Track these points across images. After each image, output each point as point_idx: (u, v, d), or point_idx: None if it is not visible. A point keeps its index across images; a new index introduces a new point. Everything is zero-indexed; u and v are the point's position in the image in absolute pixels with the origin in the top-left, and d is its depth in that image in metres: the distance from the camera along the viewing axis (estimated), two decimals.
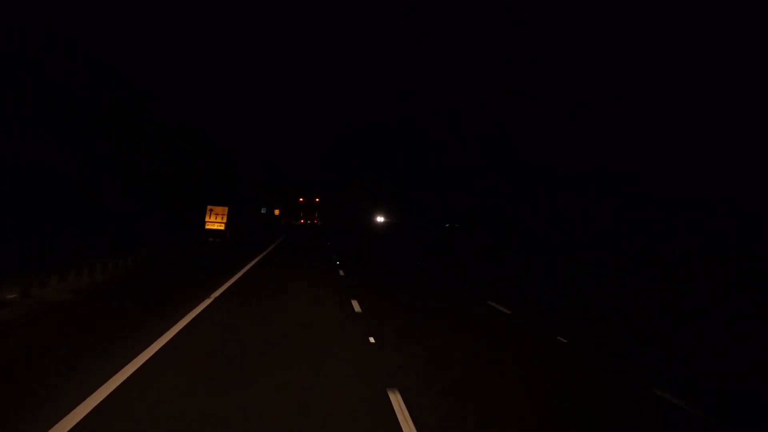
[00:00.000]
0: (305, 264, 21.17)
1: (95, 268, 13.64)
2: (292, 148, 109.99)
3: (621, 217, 26.18)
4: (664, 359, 9.00)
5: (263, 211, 75.56)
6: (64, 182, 20.43)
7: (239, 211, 52.61)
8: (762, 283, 16.48)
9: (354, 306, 11.42)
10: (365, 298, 12.45)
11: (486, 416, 5.58)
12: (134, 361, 6.57)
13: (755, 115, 20.44)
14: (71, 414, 4.91)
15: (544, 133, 34.00)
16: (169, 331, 8.19)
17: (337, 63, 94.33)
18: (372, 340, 8.40)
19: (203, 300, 11.10)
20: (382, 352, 7.77)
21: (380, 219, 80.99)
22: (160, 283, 14.06)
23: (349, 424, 5.14)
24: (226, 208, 28.87)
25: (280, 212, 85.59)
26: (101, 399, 5.31)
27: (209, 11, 45.14)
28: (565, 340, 9.47)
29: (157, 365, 6.56)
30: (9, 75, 16.76)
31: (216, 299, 11.45)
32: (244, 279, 15.22)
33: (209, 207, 28.82)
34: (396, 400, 5.76)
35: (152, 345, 7.34)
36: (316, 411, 5.38)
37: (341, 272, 18.09)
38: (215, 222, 28.32)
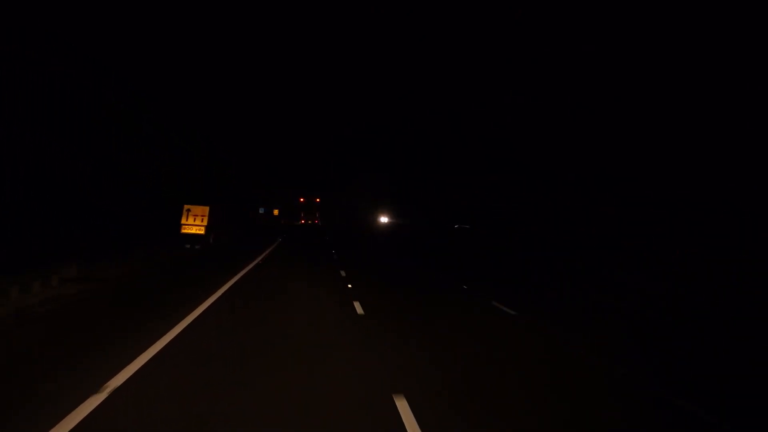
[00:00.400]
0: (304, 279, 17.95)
1: (98, 268, 13.65)
2: (292, 148, 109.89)
3: (621, 217, 26.16)
4: (664, 359, 9.01)
5: (261, 211, 72.17)
6: (64, 182, 20.41)
7: (238, 211, 51.37)
8: (762, 283, 16.48)
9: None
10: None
11: (486, 416, 5.58)
12: (134, 362, 6.55)
13: (755, 115, 20.44)
14: (70, 416, 4.90)
15: (543, 133, 34.01)
16: (169, 333, 8.16)
17: (336, 63, 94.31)
18: None
19: (204, 300, 11.08)
20: None
21: (384, 219, 79.84)
22: (160, 283, 14.06)
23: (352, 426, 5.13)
24: (206, 208, 24.43)
25: (279, 212, 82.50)
26: (101, 400, 5.30)
27: (209, 11, 45.13)
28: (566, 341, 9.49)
29: (156, 366, 6.54)
30: (9, 75, 16.76)
31: (217, 299, 11.42)
32: (244, 281, 15.21)
33: (186, 207, 24.39)
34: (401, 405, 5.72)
35: (152, 346, 7.31)
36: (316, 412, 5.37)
37: (358, 309, 11.29)
38: (193, 225, 23.91)
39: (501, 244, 36.42)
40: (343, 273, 18.16)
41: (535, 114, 34.63)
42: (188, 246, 23.28)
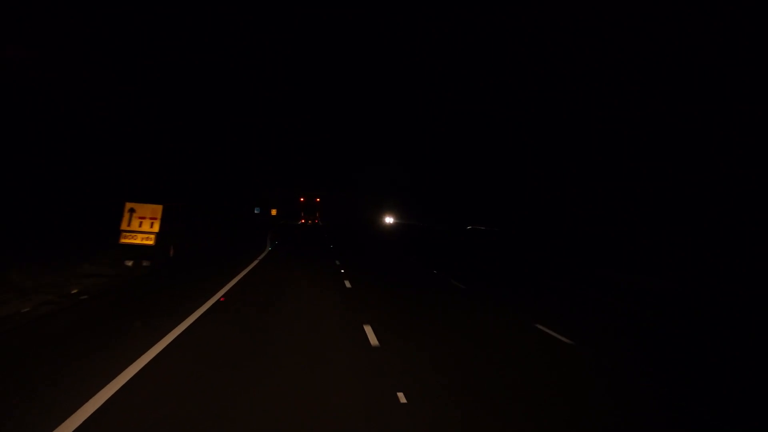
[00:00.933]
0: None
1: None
2: (292, 147, 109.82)
3: (629, 218, 26.11)
4: (667, 360, 8.97)
5: (257, 211, 65.34)
6: (62, 182, 20.37)
7: (228, 211, 48.11)
8: (763, 282, 16.47)
9: None
10: None
11: (487, 415, 5.53)
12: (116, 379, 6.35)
13: (756, 115, 20.43)
14: (78, 412, 4.87)
15: (551, 132, 33.99)
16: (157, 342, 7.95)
17: (337, 61, 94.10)
18: None
19: (193, 311, 10.31)
20: None
21: (390, 220, 78.84)
22: (154, 286, 13.93)
23: None
24: (159, 208, 16.89)
25: (277, 212, 77.03)
26: (106, 398, 5.24)
27: (207, 8, 45.04)
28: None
29: (149, 374, 6.44)
30: (9, 75, 16.72)
31: (208, 309, 11.08)
32: (241, 284, 15.06)
33: (129, 205, 16.68)
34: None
35: (132, 364, 6.71)
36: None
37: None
38: (138, 232, 16.34)
39: (514, 246, 34.65)
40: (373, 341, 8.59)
41: (539, 113, 34.60)
42: (129, 263, 15.66)
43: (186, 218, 30.30)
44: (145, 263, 15.91)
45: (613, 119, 27.00)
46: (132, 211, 16.52)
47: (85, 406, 5.21)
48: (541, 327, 10.52)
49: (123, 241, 16.14)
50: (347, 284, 15.11)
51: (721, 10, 21.52)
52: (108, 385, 5.75)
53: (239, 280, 14.74)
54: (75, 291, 11.14)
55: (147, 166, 28.69)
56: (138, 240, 16.22)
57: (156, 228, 16.36)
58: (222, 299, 11.43)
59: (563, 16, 29.99)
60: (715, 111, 21.91)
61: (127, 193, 23.95)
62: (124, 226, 16.24)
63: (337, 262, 21.36)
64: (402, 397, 5.88)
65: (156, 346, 7.34)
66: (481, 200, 47.20)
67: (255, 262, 19.64)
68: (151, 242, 16.26)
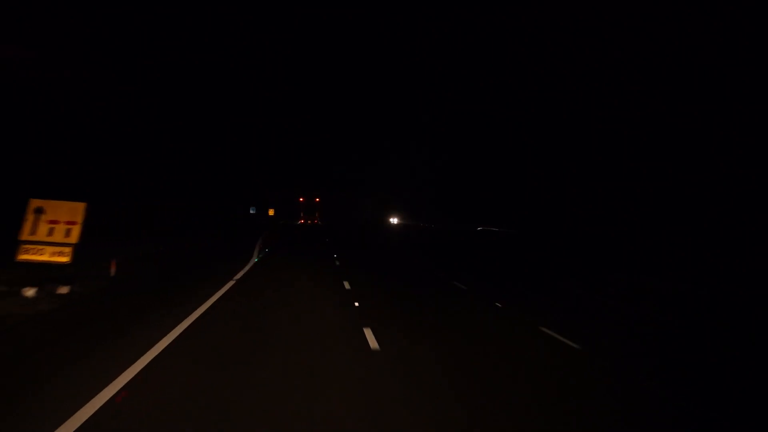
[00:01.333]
0: None
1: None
2: (292, 147, 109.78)
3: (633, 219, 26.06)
4: (667, 359, 8.96)
5: (252, 211, 62.00)
6: (63, 183, 20.34)
7: (220, 211, 46.72)
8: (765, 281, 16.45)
9: None
10: None
11: (490, 414, 5.52)
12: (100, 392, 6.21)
13: (756, 115, 20.42)
14: (79, 412, 4.80)
15: (546, 132, 33.96)
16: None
17: (336, 61, 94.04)
18: None
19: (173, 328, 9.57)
20: None
21: (394, 220, 78.99)
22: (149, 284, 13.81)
23: None
24: (80, 208, 11.68)
25: (276, 212, 74.86)
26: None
27: (207, 8, 45.00)
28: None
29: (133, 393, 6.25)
30: (9, 75, 16.72)
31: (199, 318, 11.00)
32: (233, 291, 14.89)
33: (35, 204, 11.58)
34: None
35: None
36: None
37: None
38: (47, 244, 11.31)
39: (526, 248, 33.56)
40: None
41: (539, 113, 34.57)
42: (30, 293, 10.38)
43: (158, 220, 29.29)
44: (62, 290, 10.86)
45: (613, 119, 26.96)
46: (39, 211, 11.48)
47: None
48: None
49: (23, 257, 11.17)
50: (371, 342, 8.49)
51: (721, 10, 21.51)
52: None
53: (189, 326, 8.90)
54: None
55: (147, 166, 28.68)
56: (46, 256, 11.22)
57: (74, 237, 11.36)
58: (119, 398, 5.57)
59: (563, 16, 29.96)
60: (715, 111, 21.90)
61: (127, 192, 23.96)
62: (25, 235, 11.25)
63: (347, 285, 15.37)
64: None
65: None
66: (482, 200, 47.16)
67: (231, 283, 14.16)
68: (65, 259, 11.23)
